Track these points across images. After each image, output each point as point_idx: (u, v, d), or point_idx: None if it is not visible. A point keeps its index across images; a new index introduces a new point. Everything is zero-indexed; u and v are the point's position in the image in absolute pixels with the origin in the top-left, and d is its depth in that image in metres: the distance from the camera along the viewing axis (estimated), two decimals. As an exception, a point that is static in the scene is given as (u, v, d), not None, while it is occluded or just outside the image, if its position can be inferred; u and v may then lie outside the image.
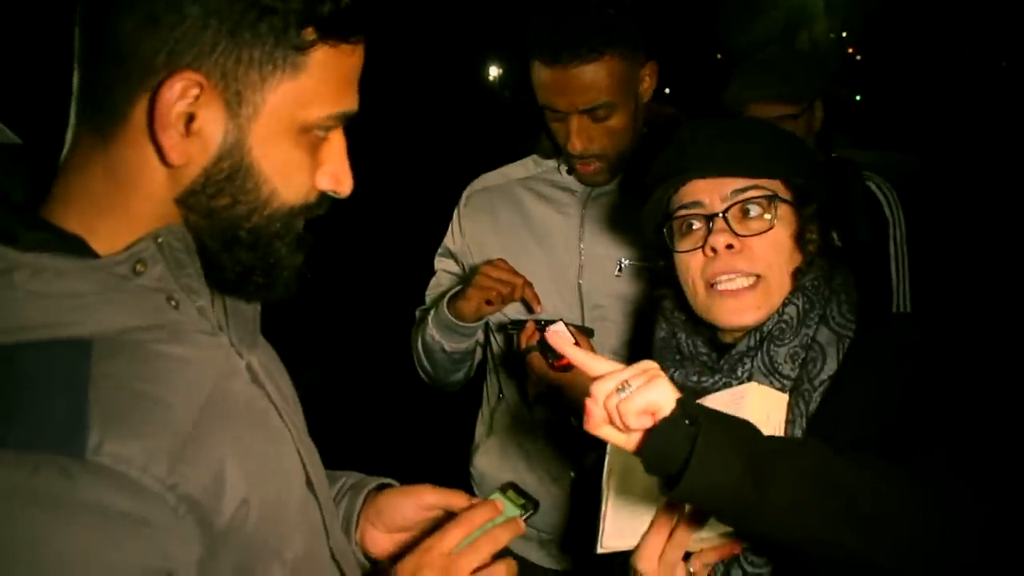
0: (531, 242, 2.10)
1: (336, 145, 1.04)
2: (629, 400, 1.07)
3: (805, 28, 26.74)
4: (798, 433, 1.34)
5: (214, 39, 0.89)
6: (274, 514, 1.03)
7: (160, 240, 0.96)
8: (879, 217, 2.70)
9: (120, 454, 0.85)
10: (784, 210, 1.44)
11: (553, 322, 1.82)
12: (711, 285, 1.44)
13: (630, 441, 1.11)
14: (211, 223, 0.98)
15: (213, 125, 0.93)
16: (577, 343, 1.80)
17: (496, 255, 2.09)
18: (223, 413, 0.98)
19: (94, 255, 0.94)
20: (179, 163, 0.93)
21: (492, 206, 2.18)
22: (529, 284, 1.96)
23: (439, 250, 2.29)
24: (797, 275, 1.44)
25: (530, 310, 2.00)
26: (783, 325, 1.41)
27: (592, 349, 1.85)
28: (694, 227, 1.46)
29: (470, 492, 2.26)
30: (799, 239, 1.44)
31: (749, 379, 1.41)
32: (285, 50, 0.93)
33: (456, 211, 2.24)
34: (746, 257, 1.42)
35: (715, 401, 1.34)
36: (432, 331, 2.08)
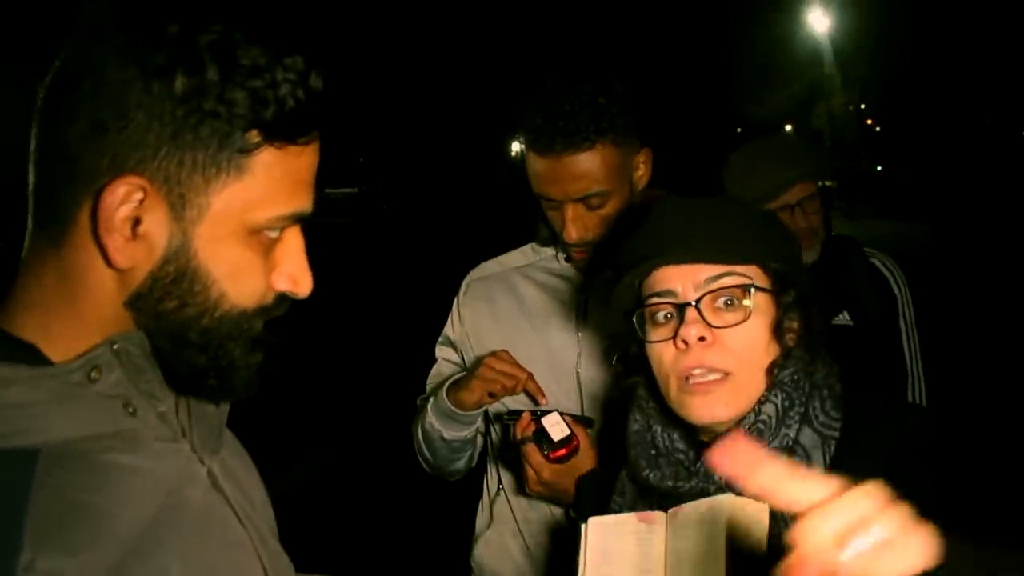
0: (529, 330, 2.09)
1: (292, 245, 1.02)
2: (879, 558, 0.68)
3: (822, 101, 27.02)
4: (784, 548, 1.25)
5: (157, 143, 0.89)
6: None
7: (116, 346, 0.95)
8: (887, 294, 2.68)
9: (53, 571, 0.82)
10: (761, 299, 1.35)
11: (548, 412, 1.80)
12: (684, 379, 1.34)
13: None
14: (160, 325, 0.96)
15: (158, 228, 0.92)
16: (574, 433, 1.78)
17: (494, 343, 2.08)
18: (175, 523, 0.96)
19: (47, 362, 0.93)
20: (125, 266, 0.92)
21: (490, 294, 2.18)
22: (532, 377, 1.94)
23: (439, 338, 2.28)
24: (772, 369, 1.34)
25: (533, 400, 1.98)
26: (761, 425, 1.31)
27: (590, 439, 1.82)
28: (666, 317, 1.38)
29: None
30: (776, 329, 1.35)
31: (728, 484, 1.28)
32: (229, 153, 0.92)
33: (456, 300, 2.25)
34: (717, 351, 1.33)
35: (690, 513, 1.28)
36: (431, 419, 2.07)
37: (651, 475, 1.40)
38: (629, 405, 1.51)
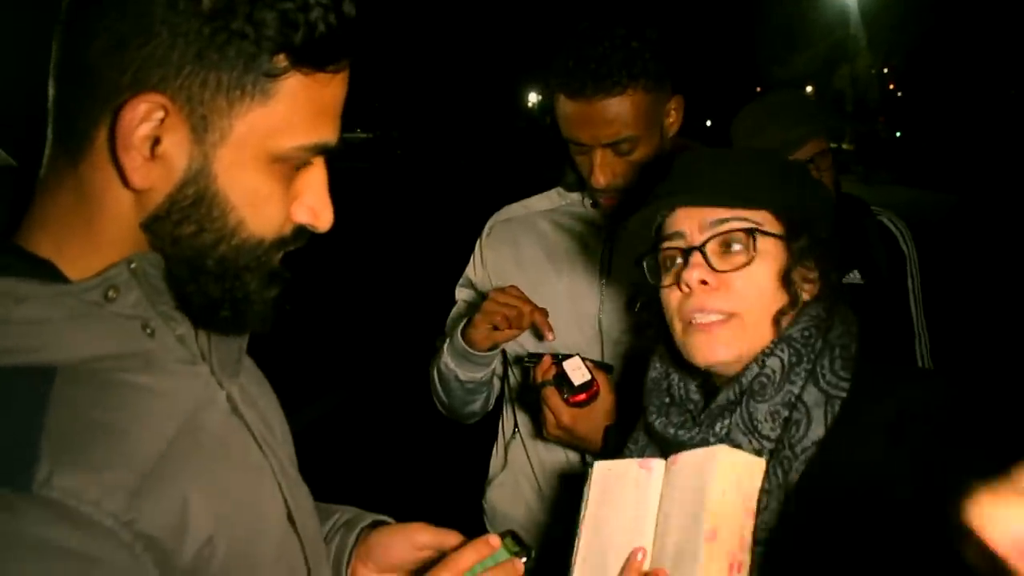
0: (552, 275, 2.08)
1: (314, 177, 1.00)
2: None
3: (846, 63, 26.68)
4: (774, 505, 1.22)
5: (180, 61, 0.87)
6: (245, 553, 0.99)
7: (134, 266, 0.93)
8: (896, 252, 2.66)
9: (71, 488, 0.81)
10: (769, 244, 1.32)
11: (570, 356, 1.79)
12: (688, 322, 1.34)
13: None
14: (176, 251, 0.95)
15: (178, 150, 0.90)
16: (594, 378, 1.78)
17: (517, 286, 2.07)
18: (193, 446, 0.95)
19: (64, 280, 0.92)
20: (142, 186, 0.90)
21: (515, 237, 2.16)
22: (541, 311, 1.92)
23: (460, 280, 2.27)
24: (779, 318, 1.32)
25: (543, 339, 1.97)
26: (764, 379, 1.29)
27: (610, 385, 1.82)
28: (674, 262, 1.37)
29: (482, 526, 2.25)
30: (785, 276, 1.32)
31: (727, 436, 1.30)
32: (255, 76, 0.89)
33: (479, 242, 2.23)
34: (722, 294, 1.32)
35: (685, 463, 1.27)
36: (447, 360, 2.06)
37: (657, 422, 1.40)
38: (650, 353, 1.50)
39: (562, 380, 1.77)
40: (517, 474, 2.17)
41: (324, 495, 1.33)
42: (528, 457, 2.13)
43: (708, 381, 1.41)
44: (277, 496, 1.08)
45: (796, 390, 1.27)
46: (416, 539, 1.31)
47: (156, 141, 0.89)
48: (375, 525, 1.36)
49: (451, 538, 1.30)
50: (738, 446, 1.28)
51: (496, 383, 2.20)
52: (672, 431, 1.37)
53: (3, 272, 0.88)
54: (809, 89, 26.88)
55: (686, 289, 1.33)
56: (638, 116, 1.83)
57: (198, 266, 0.95)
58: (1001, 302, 8.15)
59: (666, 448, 1.37)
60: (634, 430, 1.50)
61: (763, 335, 1.32)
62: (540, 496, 2.12)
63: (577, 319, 2.02)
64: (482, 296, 2.19)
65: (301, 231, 1.01)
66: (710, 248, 1.32)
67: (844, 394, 1.26)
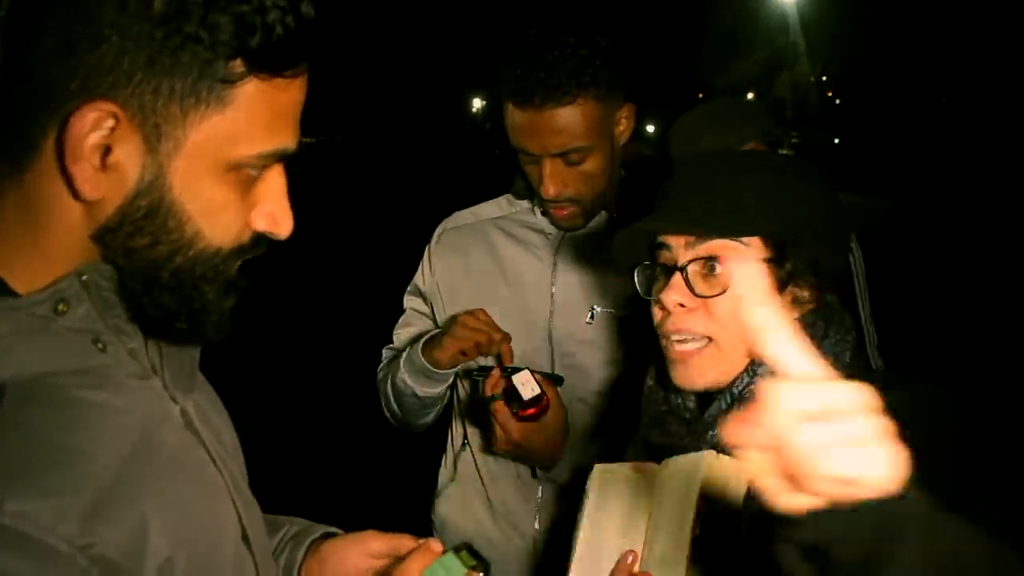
0: (502, 284, 2.05)
1: (273, 183, 0.96)
2: (840, 451, 0.69)
3: (786, 71, 27.13)
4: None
5: (131, 67, 0.83)
6: (203, 571, 0.96)
7: (85, 278, 0.90)
8: None
9: (23, 513, 0.78)
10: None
11: (519, 370, 1.77)
12: (667, 343, 1.33)
13: (791, 493, 0.73)
14: (129, 263, 0.91)
15: (130, 160, 0.86)
16: (544, 392, 1.76)
17: (466, 296, 2.04)
18: (149, 464, 0.92)
19: (12, 294, 0.88)
20: (92, 197, 0.87)
21: (464, 245, 2.13)
22: (507, 339, 1.90)
23: (408, 288, 2.23)
24: None
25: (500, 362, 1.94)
26: (756, 388, 1.23)
27: (559, 397, 1.80)
28: (659, 276, 1.36)
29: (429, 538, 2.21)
30: None
31: (720, 443, 1.29)
32: (210, 83, 0.86)
33: (427, 249, 2.19)
34: (699, 317, 1.30)
35: (674, 468, 1.28)
36: (404, 375, 2.02)
37: (653, 431, 1.40)
38: (647, 360, 1.48)
39: (511, 394, 1.75)
40: (466, 486, 2.14)
41: (267, 507, 1.29)
42: (478, 469, 2.10)
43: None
44: (232, 512, 1.05)
45: None
46: (370, 547, 1.29)
47: (107, 150, 0.85)
48: (325, 537, 1.34)
49: (405, 542, 1.29)
50: (730, 453, 1.25)
51: (446, 394, 2.16)
52: (667, 440, 1.36)
53: None
54: (750, 96, 27.31)
55: (665, 310, 1.32)
56: (588, 126, 1.81)
57: (152, 278, 0.92)
58: (938, 301, 8.37)
59: (663, 456, 1.37)
60: (635, 435, 1.50)
61: (744, 358, 1.29)
62: (490, 508, 2.09)
63: (526, 329, 1.99)
64: (431, 305, 2.16)
65: (260, 239, 0.98)
66: (692, 269, 1.29)
67: None
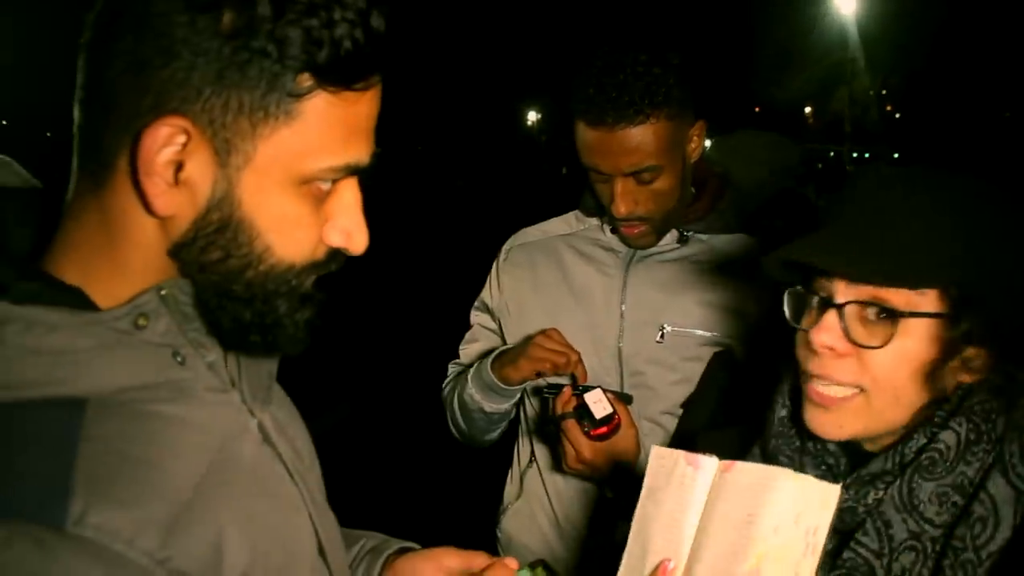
0: (571, 301, 2.05)
1: (346, 198, 0.96)
2: None
3: (844, 85, 26.80)
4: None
5: (201, 83, 0.84)
6: None
7: (164, 292, 0.91)
8: None
9: (105, 525, 0.79)
10: (918, 325, 1.12)
11: (591, 388, 1.76)
12: (809, 382, 1.18)
13: None
14: (204, 276, 0.92)
15: (201, 174, 0.87)
16: (616, 411, 1.75)
17: (535, 313, 2.05)
18: (227, 477, 0.93)
19: (93, 308, 0.90)
20: (166, 213, 0.88)
21: (532, 262, 2.13)
22: (581, 359, 1.89)
23: (475, 303, 2.25)
24: (918, 413, 1.14)
25: (574, 379, 1.94)
26: (935, 455, 1.11)
27: (630, 417, 1.79)
28: (812, 305, 1.19)
29: (495, 555, 2.21)
30: (933, 369, 1.12)
31: (878, 508, 1.14)
32: (279, 96, 0.86)
33: (495, 265, 2.20)
34: (849, 365, 1.14)
35: (740, 476, 1.05)
36: (472, 391, 2.03)
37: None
38: (777, 384, 1.33)
39: (583, 412, 1.74)
40: (533, 503, 2.13)
41: (340, 519, 1.31)
42: (545, 486, 2.10)
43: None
44: (308, 526, 1.06)
45: (971, 472, 1.10)
46: (444, 563, 1.29)
47: (179, 166, 0.86)
48: (401, 552, 1.34)
49: (479, 559, 1.29)
50: (889, 523, 1.13)
51: (513, 410, 2.17)
52: None
53: (32, 300, 0.86)
54: (808, 110, 27.01)
55: (813, 348, 1.17)
56: (660, 145, 1.80)
57: (226, 291, 0.93)
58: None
59: None
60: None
61: (893, 420, 1.16)
62: (557, 526, 2.09)
63: (596, 347, 1.99)
64: (498, 321, 2.16)
65: (335, 254, 0.99)
66: (850, 311, 1.13)
67: None
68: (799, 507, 1.03)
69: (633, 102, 1.76)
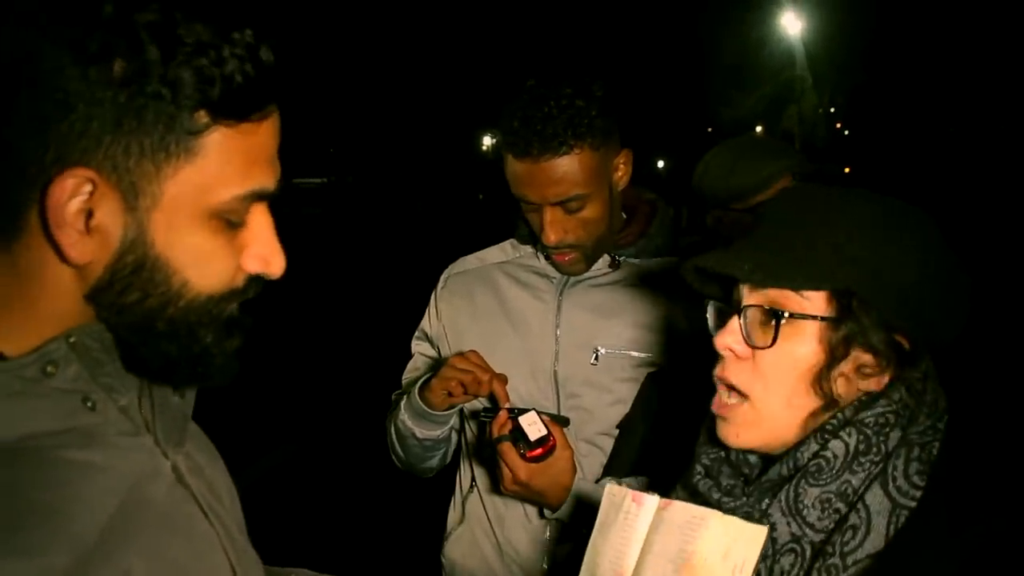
0: (508, 328, 2.09)
1: (259, 224, 0.99)
2: None
3: (793, 103, 27.18)
4: None
5: (100, 132, 0.86)
6: None
7: (73, 340, 0.92)
8: None
9: (7, 574, 0.80)
10: (803, 327, 1.16)
11: (526, 411, 1.80)
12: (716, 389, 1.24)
13: None
14: (123, 319, 0.94)
15: (112, 220, 0.89)
16: (550, 432, 1.79)
17: (472, 339, 2.08)
18: (136, 519, 0.94)
19: (1, 358, 0.90)
20: (81, 261, 0.90)
21: (469, 290, 2.17)
22: (500, 379, 1.93)
23: (416, 333, 2.28)
24: (809, 418, 1.18)
25: (492, 402, 1.97)
26: (822, 462, 1.15)
27: (566, 438, 1.83)
28: (724, 314, 1.24)
29: (440, 581, 2.23)
30: (821, 371, 1.16)
31: (766, 512, 1.19)
32: (178, 136, 0.88)
33: (433, 294, 2.24)
34: (744, 369, 1.20)
35: (674, 514, 1.13)
36: (404, 417, 2.06)
37: (701, 482, 1.28)
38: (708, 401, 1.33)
39: (518, 435, 1.78)
40: (475, 528, 2.16)
41: (275, 552, 1.32)
42: (486, 511, 2.12)
43: None
44: (225, 565, 1.07)
45: (856, 482, 1.14)
46: None
47: (89, 214, 0.88)
48: None
49: None
50: (774, 525, 1.18)
51: (454, 438, 2.19)
52: (717, 495, 1.24)
53: None
54: (759, 129, 27.38)
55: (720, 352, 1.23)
56: (586, 174, 1.86)
57: (148, 329, 0.95)
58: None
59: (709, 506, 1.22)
60: (685, 474, 1.37)
61: (787, 426, 1.19)
62: (499, 550, 2.11)
63: (533, 372, 2.03)
64: (438, 349, 2.20)
65: (254, 280, 1.01)
66: (751, 315, 1.19)
67: (914, 503, 1.12)
68: (726, 544, 1.09)
69: (557, 134, 1.82)
